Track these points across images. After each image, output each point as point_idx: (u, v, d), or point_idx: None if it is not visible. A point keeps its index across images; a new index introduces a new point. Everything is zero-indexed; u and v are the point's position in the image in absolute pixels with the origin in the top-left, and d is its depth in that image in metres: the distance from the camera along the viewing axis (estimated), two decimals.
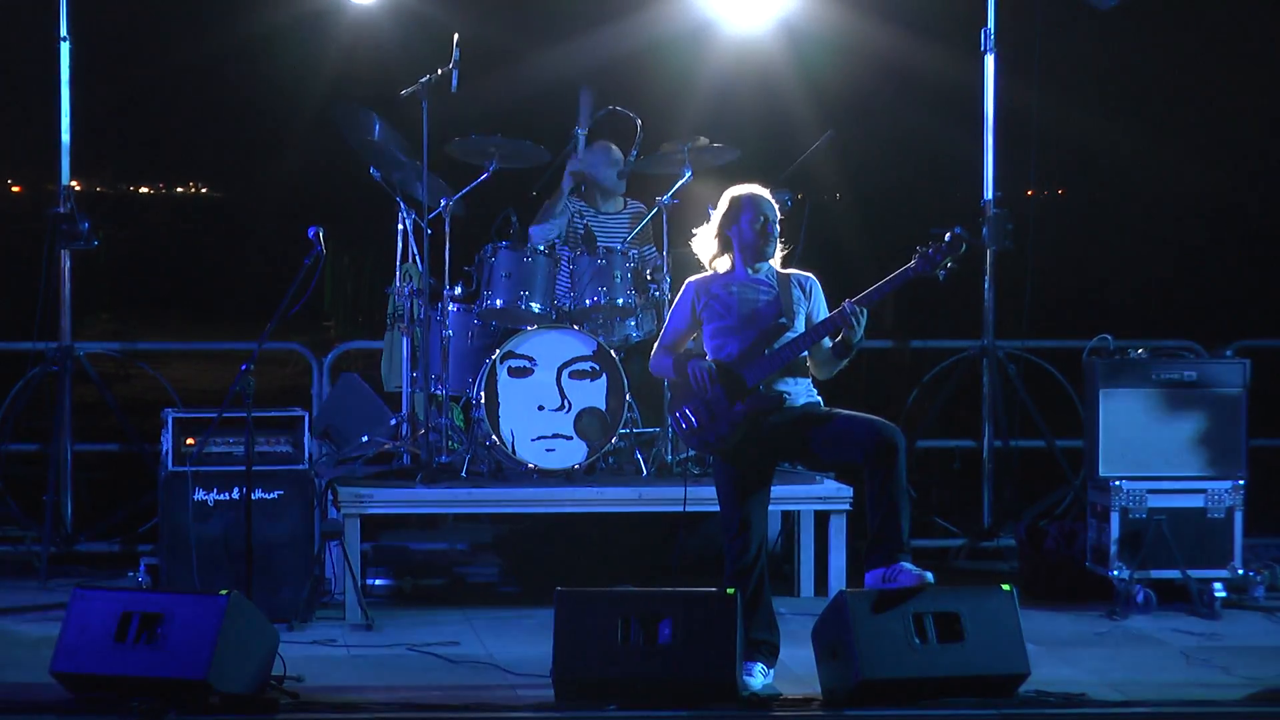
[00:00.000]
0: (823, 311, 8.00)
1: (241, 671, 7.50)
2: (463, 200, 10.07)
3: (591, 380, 9.78)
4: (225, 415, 9.07)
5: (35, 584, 10.00)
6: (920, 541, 10.01)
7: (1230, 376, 9.72)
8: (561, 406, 9.75)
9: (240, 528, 8.98)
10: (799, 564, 9.90)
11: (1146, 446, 9.67)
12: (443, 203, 9.98)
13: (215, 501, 9.23)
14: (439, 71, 9.79)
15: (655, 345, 8.14)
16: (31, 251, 10.74)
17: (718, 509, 8.01)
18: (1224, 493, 9.62)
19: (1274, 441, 11.22)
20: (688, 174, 10.13)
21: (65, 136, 10.54)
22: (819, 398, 7.99)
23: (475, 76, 9.95)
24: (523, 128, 10.27)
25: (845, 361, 7.89)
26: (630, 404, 9.80)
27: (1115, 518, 9.59)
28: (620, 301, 9.91)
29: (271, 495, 9.25)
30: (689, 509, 8.94)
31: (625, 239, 10.32)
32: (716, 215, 8.05)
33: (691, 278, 8.11)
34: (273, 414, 9.34)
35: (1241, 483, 9.65)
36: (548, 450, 9.71)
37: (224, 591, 7.56)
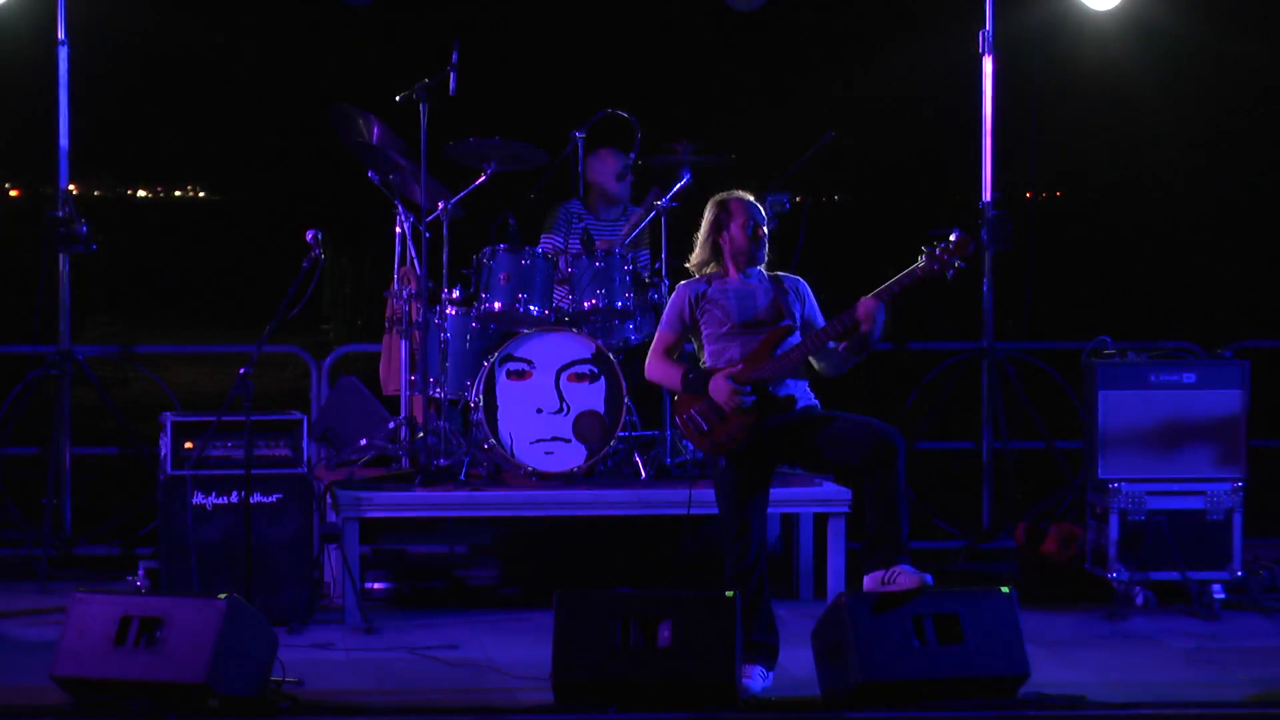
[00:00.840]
0: (816, 313, 8.00)
1: (241, 675, 7.49)
2: (461, 203, 10.06)
3: (590, 383, 9.78)
4: (224, 418, 9.07)
5: (34, 587, 9.99)
6: (919, 543, 10.00)
7: (1229, 378, 9.72)
8: (560, 409, 9.75)
9: (239, 531, 8.98)
10: (798, 566, 9.90)
11: (1146, 448, 9.67)
12: (441, 205, 9.97)
13: (214, 505, 9.23)
14: (437, 74, 9.79)
15: (650, 351, 8.14)
16: (30, 255, 10.74)
17: (716, 511, 8.01)
18: (1223, 494, 9.62)
19: (1273, 443, 11.22)
20: (686, 177, 10.13)
21: (64, 140, 10.53)
22: (817, 400, 8.00)
23: (473, 79, 9.95)
24: (521, 130, 10.26)
25: (858, 359, 7.89)
26: (629, 407, 9.80)
27: (1114, 519, 9.59)
28: (619, 304, 9.90)
29: (270, 498, 9.25)
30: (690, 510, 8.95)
31: (623, 241, 10.32)
32: (705, 222, 8.07)
33: (683, 282, 8.11)
34: (271, 417, 9.33)
35: (1241, 484, 9.65)
36: (546, 453, 9.71)
37: (223, 595, 7.55)
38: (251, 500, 9.01)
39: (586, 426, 9.73)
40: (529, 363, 9.77)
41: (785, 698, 7.78)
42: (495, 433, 9.68)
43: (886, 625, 7.52)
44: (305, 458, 9.38)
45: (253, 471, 8.94)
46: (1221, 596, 9.43)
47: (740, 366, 7.86)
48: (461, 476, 9.70)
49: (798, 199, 10.20)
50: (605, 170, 10.45)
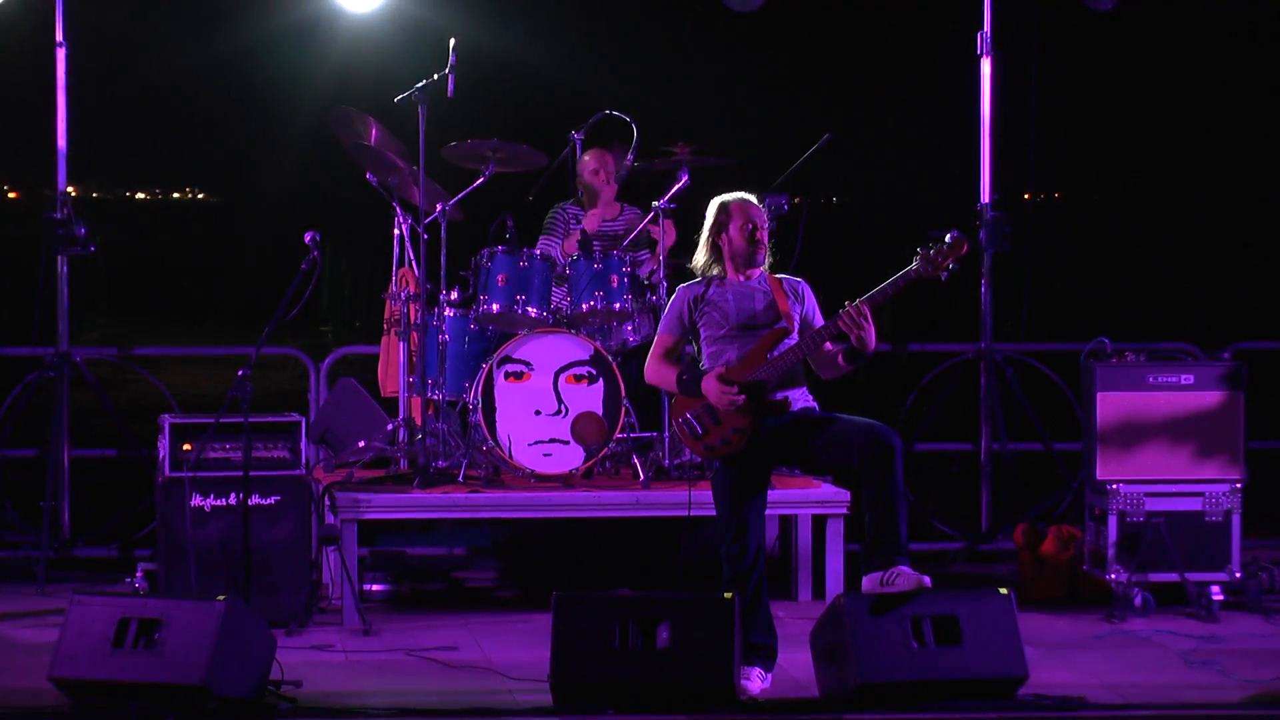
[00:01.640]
0: (816, 314, 8.01)
1: (239, 677, 7.49)
2: (459, 205, 10.07)
3: (588, 385, 9.78)
4: (222, 420, 9.07)
5: (33, 589, 9.99)
6: (918, 545, 10.00)
7: (1227, 379, 9.72)
8: (558, 411, 9.75)
9: (238, 533, 8.98)
10: (796, 568, 9.90)
11: (1144, 449, 9.67)
12: (439, 207, 9.97)
13: (213, 507, 9.23)
14: (435, 76, 9.79)
15: (650, 354, 8.14)
16: (29, 257, 10.74)
17: (714, 513, 8.01)
18: (1222, 495, 9.62)
19: (1272, 444, 11.22)
20: (684, 179, 10.13)
21: (62, 142, 10.53)
22: (815, 402, 8.00)
23: (472, 81, 9.96)
24: (520, 131, 10.27)
25: (855, 365, 7.89)
26: (627, 408, 9.80)
27: (1113, 521, 9.59)
28: (617, 306, 9.90)
29: (269, 500, 9.25)
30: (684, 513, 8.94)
31: (621, 244, 10.33)
32: (706, 224, 8.07)
33: (682, 285, 8.12)
34: (270, 419, 9.33)
35: (1239, 485, 9.65)
36: (545, 455, 9.71)
37: (221, 597, 7.55)
38: (250, 502, 9.02)
39: (585, 428, 9.73)
40: (527, 364, 9.77)
41: (784, 699, 7.78)
42: (494, 434, 9.68)
43: (885, 627, 7.52)
44: (304, 459, 9.38)
45: (251, 473, 8.94)
46: (1220, 598, 9.43)
47: (735, 368, 7.86)
48: (460, 478, 9.71)
49: (796, 200, 10.21)
50: (586, 168, 10.48)
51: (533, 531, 10.50)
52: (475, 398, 9.69)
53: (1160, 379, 9.71)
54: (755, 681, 7.84)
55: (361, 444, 9.97)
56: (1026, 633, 7.71)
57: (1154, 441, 9.67)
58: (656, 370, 8.09)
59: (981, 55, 10.87)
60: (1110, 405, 9.70)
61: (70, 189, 10.49)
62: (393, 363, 10.24)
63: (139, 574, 9.62)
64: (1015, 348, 11.00)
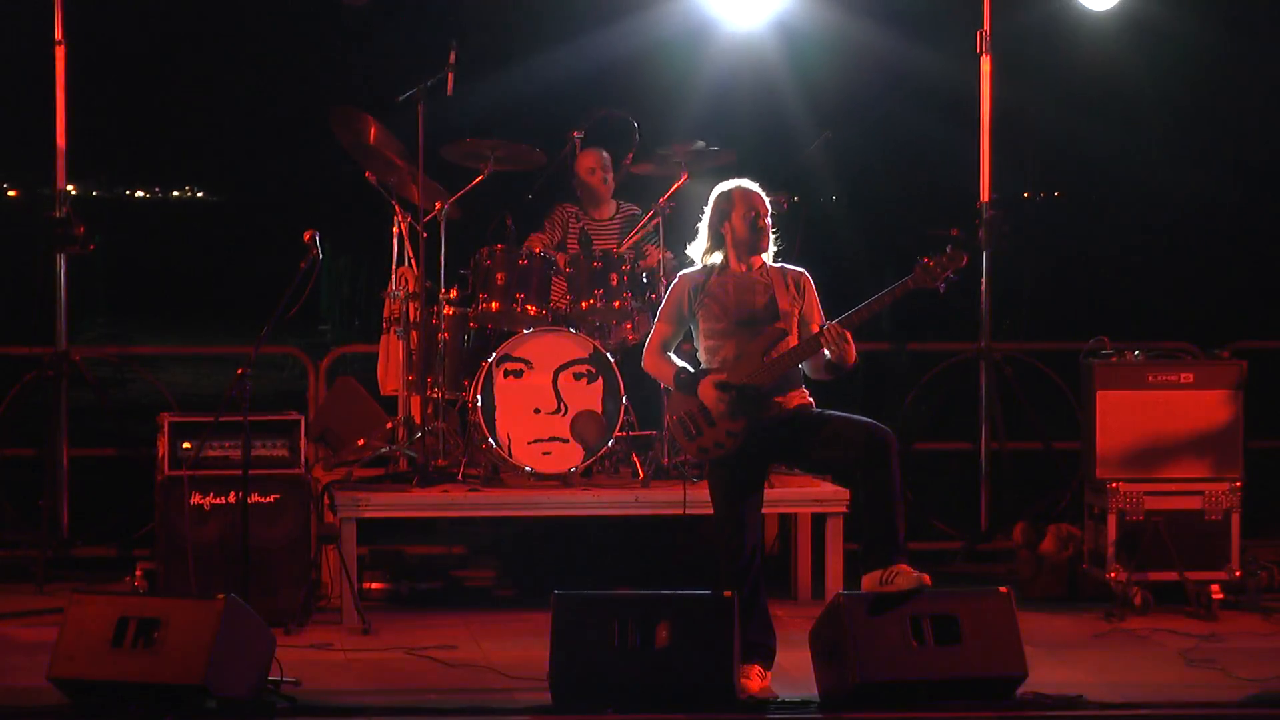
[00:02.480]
0: (815, 309, 7.98)
1: (238, 676, 7.49)
2: (459, 203, 10.07)
3: (588, 383, 9.78)
4: (222, 419, 9.07)
5: (32, 589, 9.99)
6: (917, 544, 9.99)
7: (1226, 378, 9.72)
8: (558, 409, 9.74)
9: (237, 532, 8.98)
10: (795, 566, 9.90)
11: (1143, 448, 9.67)
12: (439, 206, 9.97)
13: (212, 505, 9.23)
14: (435, 75, 9.79)
15: (648, 343, 8.11)
16: (27, 256, 10.74)
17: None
18: (1221, 494, 9.62)
19: (1271, 443, 11.22)
20: (684, 177, 10.13)
21: (61, 141, 10.53)
22: (811, 400, 7.98)
23: (471, 79, 9.95)
24: (519, 130, 10.26)
25: (842, 374, 7.86)
26: (627, 407, 9.79)
27: (1112, 519, 9.59)
28: (616, 304, 9.90)
29: (268, 499, 9.25)
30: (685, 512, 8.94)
31: (619, 242, 10.33)
32: (707, 211, 8.04)
33: (683, 272, 8.09)
34: (269, 418, 9.33)
35: (1238, 484, 9.65)
36: (544, 453, 9.71)
37: (221, 596, 7.54)
38: (249, 501, 9.01)
39: (584, 427, 9.72)
40: (527, 363, 9.77)
41: (783, 698, 7.77)
42: (493, 433, 9.67)
43: (884, 626, 7.52)
44: (303, 458, 9.38)
45: (250, 472, 8.93)
46: (1219, 597, 9.43)
47: (731, 371, 7.84)
48: (459, 477, 9.71)
49: (794, 199, 10.20)
50: (582, 167, 10.48)
51: (532, 530, 10.50)
52: (474, 396, 9.69)
53: (1159, 378, 9.71)
54: (754, 680, 7.83)
55: (360, 443, 9.97)
56: (1026, 632, 7.71)
57: (1153, 440, 9.68)
58: (655, 362, 8.06)
59: (981, 54, 10.86)
60: (1109, 404, 9.70)
61: (69, 188, 10.49)
62: (392, 361, 10.24)
63: (138, 573, 9.61)
64: (1014, 347, 11.00)
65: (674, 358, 8.03)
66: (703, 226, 8.05)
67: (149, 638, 7.46)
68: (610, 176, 10.49)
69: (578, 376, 9.77)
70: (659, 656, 7.49)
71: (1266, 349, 11.32)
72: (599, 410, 9.74)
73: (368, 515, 9.43)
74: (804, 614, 8.76)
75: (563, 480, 9.69)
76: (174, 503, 9.20)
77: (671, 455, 9.78)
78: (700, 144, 10.22)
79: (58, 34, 10.45)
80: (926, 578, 7.60)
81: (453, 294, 10.04)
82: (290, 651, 8.26)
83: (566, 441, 9.73)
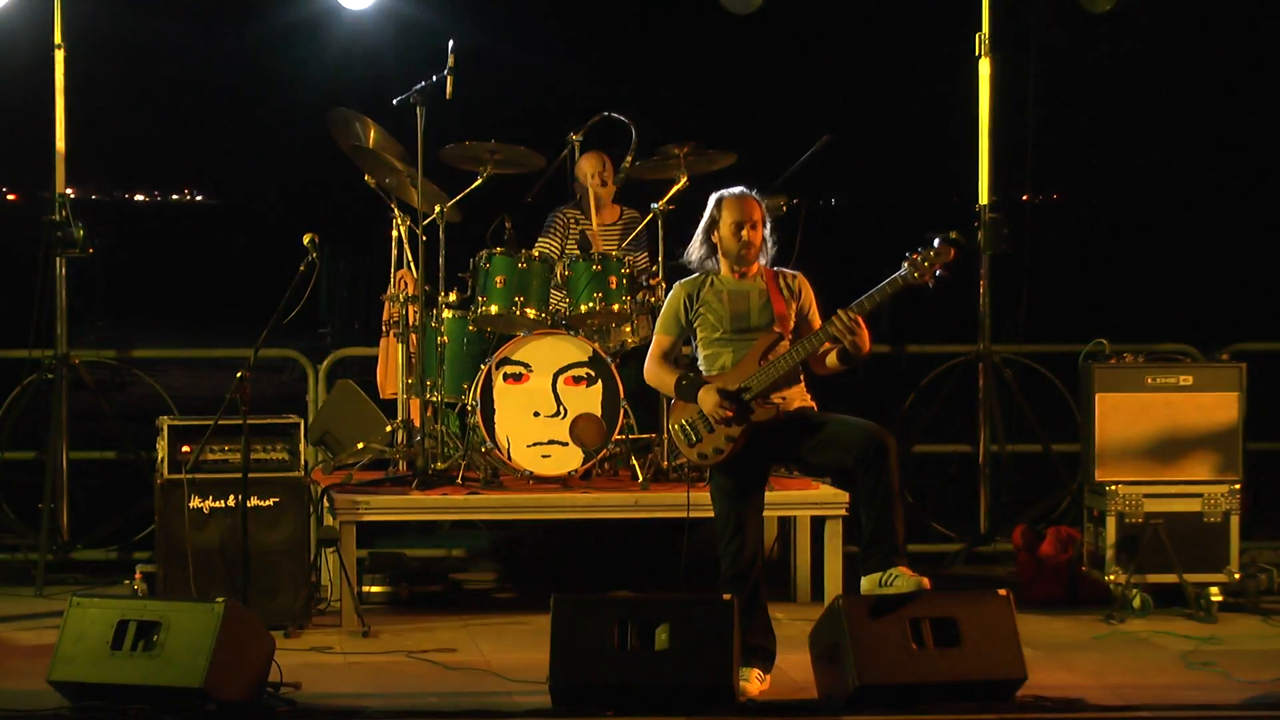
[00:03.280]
0: (812, 309, 7.98)
1: (238, 679, 7.49)
2: (458, 206, 10.07)
3: (587, 386, 9.78)
4: (221, 422, 9.07)
5: (31, 592, 9.99)
6: (917, 546, 10.00)
7: (1226, 380, 9.72)
8: (557, 412, 9.74)
9: (236, 535, 8.98)
10: (795, 569, 9.89)
11: (1143, 450, 9.67)
12: (438, 209, 9.97)
13: (211, 509, 9.23)
14: (434, 77, 9.79)
15: (649, 354, 8.12)
16: (27, 259, 10.74)
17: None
18: (1220, 496, 9.62)
19: (1270, 445, 11.22)
20: (683, 180, 10.13)
21: (60, 144, 10.53)
22: (811, 403, 7.98)
23: (470, 82, 9.95)
24: (518, 133, 10.26)
25: (849, 367, 7.87)
26: (626, 410, 9.80)
27: (1112, 522, 9.59)
28: (615, 307, 9.90)
29: (267, 502, 9.25)
30: (684, 514, 8.94)
31: (620, 246, 10.33)
32: (704, 218, 8.04)
33: (681, 282, 8.09)
34: (269, 421, 9.33)
35: (1238, 486, 9.65)
36: (543, 456, 9.71)
37: (220, 599, 7.54)
38: (249, 504, 9.01)
39: (583, 430, 9.72)
40: (526, 366, 9.77)
41: (782, 701, 7.77)
42: (492, 436, 9.67)
43: (884, 628, 7.52)
44: (302, 461, 9.38)
45: (250, 475, 8.94)
46: (1219, 599, 9.43)
47: (729, 376, 7.84)
48: (458, 480, 9.71)
49: (794, 201, 10.20)
50: (581, 171, 10.48)
51: (531, 533, 10.50)
52: (474, 399, 9.69)
53: (1159, 380, 9.71)
54: (754, 683, 7.84)
55: (360, 446, 9.97)
56: (1025, 634, 7.71)
57: (1153, 443, 9.68)
58: (656, 372, 8.08)
59: (980, 56, 10.87)
60: (1109, 406, 9.70)
61: (69, 191, 10.49)
62: (391, 364, 10.24)
63: (138, 576, 9.61)
64: (1014, 349, 11.00)
65: (674, 366, 8.04)
66: (697, 234, 8.06)
67: (149, 641, 7.46)
68: (611, 180, 10.49)
69: (577, 379, 9.78)
70: (659, 659, 7.49)
71: (1266, 351, 11.32)
72: (598, 413, 9.74)
73: (367, 518, 9.43)
74: (803, 616, 8.76)
75: (562, 483, 9.70)
76: (173, 506, 9.20)
77: (670, 458, 9.78)
78: (699, 145, 10.22)
79: (57, 38, 10.46)
80: (926, 580, 7.60)
81: (452, 297, 10.04)
82: (290, 655, 8.26)
83: (566, 444, 9.73)
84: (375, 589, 9.99)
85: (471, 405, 9.71)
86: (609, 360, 9.78)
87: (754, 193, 8.02)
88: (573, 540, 10.31)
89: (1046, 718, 7.55)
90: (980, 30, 10.85)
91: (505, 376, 9.74)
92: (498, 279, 9.84)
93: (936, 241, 7.72)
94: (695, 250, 8.05)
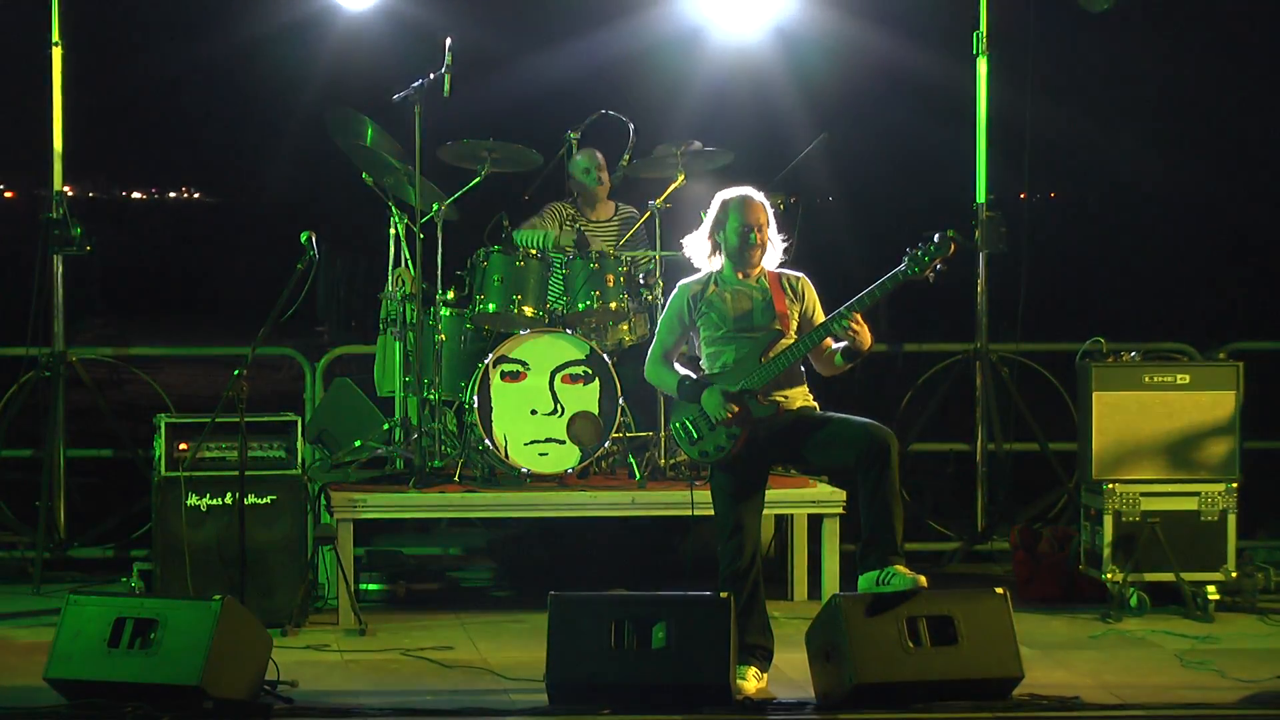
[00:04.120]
0: (815, 310, 7.99)
1: (235, 677, 7.49)
2: (455, 204, 10.07)
3: (584, 384, 9.78)
4: (218, 420, 9.06)
5: (28, 590, 9.98)
6: (914, 545, 10.01)
7: (1223, 379, 9.72)
8: (554, 411, 9.74)
9: (233, 533, 8.98)
10: (791, 567, 9.89)
11: (1140, 449, 9.67)
12: (435, 207, 9.97)
13: (208, 507, 9.22)
14: (431, 76, 9.79)
15: (649, 353, 8.12)
16: (24, 257, 10.73)
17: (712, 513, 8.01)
18: (1217, 495, 9.62)
19: (1267, 444, 11.22)
20: (680, 178, 10.13)
21: (58, 142, 10.53)
22: (814, 403, 7.98)
23: (468, 80, 9.95)
24: (515, 132, 10.26)
25: (851, 364, 7.87)
26: (623, 408, 9.80)
27: (1109, 520, 9.59)
28: (613, 305, 9.90)
29: (265, 500, 9.25)
30: (680, 513, 8.94)
31: (617, 244, 10.33)
32: (707, 218, 8.04)
33: (683, 281, 8.09)
34: (266, 419, 9.34)
35: (1235, 485, 9.65)
36: (541, 454, 9.71)
37: (217, 597, 7.54)
38: (246, 502, 9.01)
39: (581, 428, 9.72)
40: (523, 364, 9.77)
41: (780, 700, 7.77)
42: (490, 434, 9.67)
43: (881, 627, 7.52)
44: (299, 459, 9.38)
45: (247, 473, 8.94)
46: (1216, 598, 9.43)
47: (731, 374, 7.85)
48: (456, 478, 9.70)
49: (792, 200, 10.20)
50: (578, 168, 10.48)
51: (529, 531, 10.50)
52: (471, 397, 9.69)
53: (1156, 379, 9.71)
54: (751, 681, 7.83)
55: (357, 444, 9.97)
56: (1022, 633, 7.72)
57: (1150, 442, 9.68)
58: (657, 372, 8.08)
59: (978, 55, 10.87)
60: (1106, 405, 9.71)
61: (66, 189, 10.49)
62: (389, 362, 10.24)
63: (135, 574, 9.61)
64: (1011, 348, 11.00)
65: (676, 366, 8.04)
66: (701, 232, 8.05)
67: (146, 639, 7.46)
68: (606, 177, 10.49)
69: (574, 378, 9.77)
70: (656, 658, 7.49)
71: (1263, 350, 11.33)
72: (595, 412, 9.74)
73: (364, 516, 9.43)
74: (800, 615, 8.76)
75: (559, 481, 9.70)
76: (171, 504, 9.20)
77: (668, 456, 9.78)
78: (697, 144, 10.22)
79: (55, 35, 10.45)
80: (923, 579, 7.61)
81: (450, 295, 10.04)
82: (287, 652, 8.27)
83: (563, 443, 9.73)
84: (372, 587, 9.99)
85: (469, 403, 9.71)
86: (606, 358, 9.78)
87: (759, 194, 8.03)
88: (570, 538, 10.31)
89: (1043, 716, 7.55)
90: (978, 29, 10.84)
91: (503, 375, 9.74)
92: (495, 277, 9.84)
93: (936, 237, 7.73)
94: (699, 250, 8.05)
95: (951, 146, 11.93)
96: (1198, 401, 9.70)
